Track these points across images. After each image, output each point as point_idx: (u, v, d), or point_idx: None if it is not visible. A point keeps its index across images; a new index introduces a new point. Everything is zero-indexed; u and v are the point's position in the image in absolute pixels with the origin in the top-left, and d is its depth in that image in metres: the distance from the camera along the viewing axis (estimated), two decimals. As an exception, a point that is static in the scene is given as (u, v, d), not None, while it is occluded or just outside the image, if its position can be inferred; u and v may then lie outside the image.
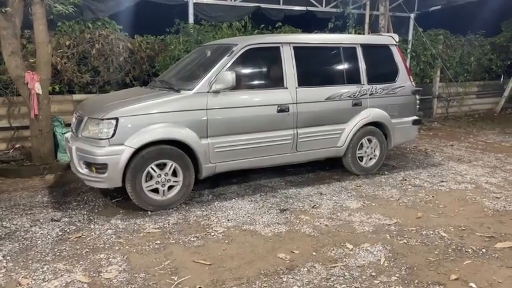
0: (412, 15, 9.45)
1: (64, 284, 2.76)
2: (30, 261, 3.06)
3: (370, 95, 5.15)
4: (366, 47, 5.20)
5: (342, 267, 3.01)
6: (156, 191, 4.04)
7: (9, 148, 6.14)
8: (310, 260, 3.12)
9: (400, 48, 5.71)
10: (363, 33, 8.45)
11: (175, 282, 2.79)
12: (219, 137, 4.24)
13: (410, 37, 9.52)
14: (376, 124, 5.27)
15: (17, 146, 6.18)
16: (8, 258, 3.11)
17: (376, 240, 3.46)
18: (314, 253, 3.23)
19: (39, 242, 3.39)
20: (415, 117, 5.62)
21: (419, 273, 2.93)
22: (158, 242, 3.40)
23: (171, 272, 2.94)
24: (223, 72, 4.18)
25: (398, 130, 5.43)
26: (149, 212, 4.01)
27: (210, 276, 2.88)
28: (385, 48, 5.42)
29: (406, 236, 3.55)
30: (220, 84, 4.14)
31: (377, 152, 5.35)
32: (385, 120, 5.28)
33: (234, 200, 4.39)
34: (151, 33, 7.21)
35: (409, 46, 9.32)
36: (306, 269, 2.98)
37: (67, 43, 6.32)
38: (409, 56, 9.20)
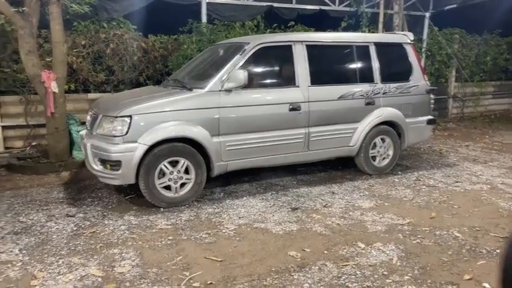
0: (427, 14, 9.34)
1: (79, 278, 2.81)
2: (45, 255, 3.12)
3: (383, 94, 5.11)
4: (379, 46, 5.16)
5: (354, 266, 3.00)
6: (168, 188, 4.08)
7: (26, 146, 6.27)
8: (321, 258, 3.11)
9: (415, 47, 5.65)
10: (377, 32, 8.38)
11: (187, 278, 2.81)
12: (231, 135, 4.26)
13: (425, 36, 9.41)
14: (390, 123, 5.22)
15: (34, 143, 6.30)
16: (24, 252, 3.18)
17: (388, 240, 3.43)
18: (325, 251, 3.22)
19: (54, 236, 3.45)
20: (430, 117, 5.56)
21: (432, 273, 2.90)
22: (170, 238, 3.44)
23: (183, 267, 2.96)
24: (235, 70, 4.19)
25: (412, 130, 5.37)
26: (162, 209, 4.05)
27: (221, 272, 2.90)
28: (399, 46, 5.37)
29: (419, 236, 3.51)
30: (232, 82, 4.16)
31: (390, 152, 5.30)
32: (399, 120, 5.23)
33: (245, 198, 4.40)
34: (164, 33, 7.27)
35: (424, 45, 9.22)
36: (317, 267, 2.98)
37: (82, 42, 6.42)
38: (423, 55, 9.09)
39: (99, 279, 2.81)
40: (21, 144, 6.34)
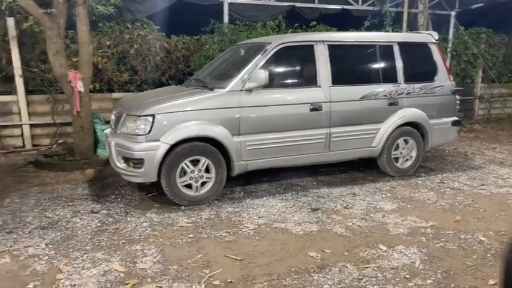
0: (453, 13, 9.13)
1: (102, 273, 2.88)
2: (70, 250, 3.21)
3: (407, 94, 5.02)
4: (403, 45, 5.08)
5: (375, 268, 2.96)
6: (189, 186, 4.13)
7: (53, 143, 6.46)
8: (341, 260, 3.08)
9: (440, 47, 5.53)
10: (401, 32, 8.25)
11: (207, 275, 2.84)
12: (251, 135, 4.27)
13: (450, 35, 9.19)
14: (413, 124, 5.13)
15: (60, 141, 6.48)
16: (51, 246, 3.27)
17: (411, 243, 3.37)
18: (346, 253, 3.19)
19: (79, 232, 3.54)
20: (455, 118, 5.43)
21: (456, 278, 2.83)
22: (191, 235, 3.47)
23: (203, 265, 2.99)
24: (256, 70, 4.20)
25: (437, 131, 5.26)
26: (182, 207, 4.09)
27: (241, 271, 2.91)
28: (424, 46, 5.27)
29: (443, 239, 3.43)
30: (253, 82, 4.17)
31: (413, 153, 5.20)
32: (423, 121, 5.13)
33: (265, 198, 4.41)
34: (187, 33, 7.35)
35: (449, 45, 9.01)
36: (337, 269, 2.95)
37: (107, 43, 6.56)
38: (449, 55, 8.89)
39: (122, 274, 2.86)
40: (48, 142, 6.54)
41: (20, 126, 6.37)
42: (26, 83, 6.26)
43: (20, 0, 4.95)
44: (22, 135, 6.40)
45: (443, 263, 3.04)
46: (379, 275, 2.87)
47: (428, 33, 5.43)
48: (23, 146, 6.40)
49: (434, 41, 5.31)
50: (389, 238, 3.46)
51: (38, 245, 3.28)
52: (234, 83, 4.22)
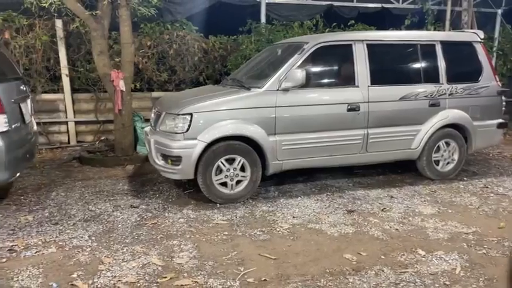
0: (500, 11, 8.70)
1: (141, 266, 2.97)
2: (112, 243, 3.34)
3: (449, 95, 4.84)
4: (446, 44, 4.90)
5: (413, 274, 2.88)
6: (224, 184, 4.18)
7: (96, 140, 6.73)
8: (378, 263, 3.02)
9: (485, 46, 5.29)
10: (443, 31, 7.96)
11: (242, 273, 2.87)
12: (287, 135, 4.27)
13: (496, 34, 8.77)
14: (456, 126, 4.94)
15: (102, 138, 6.75)
16: (93, 238, 3.42)
17: (451, 249, 3.26)
18: (383, 256, 3.13)
19: (119, 225, 3.68)
20: (500, 120, 5.18)
21: (499, 286, 2.72)
22: (226, 233, 3.52)
23: (238, 262, 3.03)
24: (293, 70, 4.20)
25: (481, 133, 5.04)
26: (218, 205, 4.16)
27: (275, 270, 2.92)
28: (468, 45, 5.06)
29: (485, 246, 3.30)
30: (290, 82, 4.17)
31: (455, 156, 5.01)
32: (466, 123, 4.94)
33: (299, 198, 4.39)
34: (224, 34, 7.44)
35: (495, 44, 8.59)
36: (373, 272, 2.90)
37: (148, 43, 6.75)
38: (495, 54, 8.48)
39: (160, 268, 2.95)
40: (92, 138, 6.83)
41: (66, 123, 6.69)
42: (71, 82, 6.56)
43: (67, 2, 5.19)
44: (68, 131, 6.72)
45: (486, 270, 2.92)
46: (417, 280, 2.80)
47: (473, 32, 5.21)
48: (68, 142, 6.72)
49: (479, 40, 5.09)
50: (429, 243, 3.36)
51: (82, 237, 3.44)
52: (270, 82, 4.23)
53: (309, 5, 7.83)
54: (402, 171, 5.30)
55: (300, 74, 4.10)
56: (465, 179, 5.08)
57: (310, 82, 4.37)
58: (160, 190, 4.63)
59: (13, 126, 3.63)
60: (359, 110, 4.46)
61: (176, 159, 4.01)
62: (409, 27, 7.86)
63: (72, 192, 4.55)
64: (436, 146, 4.89)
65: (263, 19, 7.47)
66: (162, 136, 4.19)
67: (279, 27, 7.45)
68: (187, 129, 4.00)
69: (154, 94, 6.99)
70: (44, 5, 5.20)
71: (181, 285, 2.73)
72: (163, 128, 4.20)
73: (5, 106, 3.47)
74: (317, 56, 4.43)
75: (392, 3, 8.30)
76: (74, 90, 6.65)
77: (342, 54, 4.61)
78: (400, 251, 3.21)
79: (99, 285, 2.72)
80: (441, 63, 4.85)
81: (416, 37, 4.93)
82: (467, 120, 4.94)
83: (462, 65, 5.09)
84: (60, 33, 6.30)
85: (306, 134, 4.34)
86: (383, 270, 2.92)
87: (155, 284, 2.74)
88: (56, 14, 5.92)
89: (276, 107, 4.19)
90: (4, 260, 3.05)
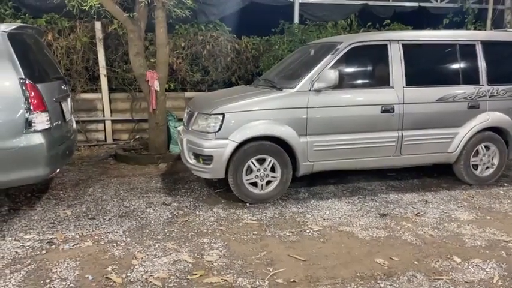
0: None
1: (172, 262, 3.04)
2: (144, 238, 3.43)
3: (490, 96, 4.64)
4: (487, 44, 4.70)
5: (447, 281, 2.79)
6: (255, 184, 4.20)
7: (131, 138, 6.93)
8: (411, 269, 2.94)
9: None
10: (484, 30, 7.64)
11: (271, 273, 2.87)
12: (318, 136, 4.23)
13: (543, 33, 8.31)
14: (496, 129, 4.73)
15: (137, 136, 6.94)
16: (127, 233, 3.53)
17: (489, 257, 3.12)
18: (416, 262, 3.04)
19: (152, 222, 3.77)
20: (545, 124, 4.91)
21: (543, 299, 2.58)
22: (255, 233, 3.54)
23: (267, 262, 3.03)
24: (325, 70, 4.15)
25: (523, 137, 4.81)
26: (248, 204, 4.18)
27: (304, 271, 2.91)
28: (510, 45, 4.84)
29: (527, 255, 3.14)
30: (322, 82, 4.13)
31: (495, 161, 4.80)
32: (507, 126, 4.71)
33: (330, 200, 4.34)
34: (257, 34, 7.47)
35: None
36: (406, 278, 2.83)
37: (182, 44, 6.89)
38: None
39: (190, 265, 3.00)
40: (127, 136, 7.03)
41: (103, 121, 6.92)
42: (109, 82, 6.79)
43: (107, 5, 5.38)
44: (104, 130, 6.95)
45: (528, 281, 2.78)
46: (452, 288, 2.71)
47: (517, 31, 4.98)
48: (105, 140, 6.95)
49: (523, 39, 4.85)
50: (465, 250, 3.24)
51: (116, 232, 3.55)
52: (302, 83, 4.21)
53: (343, 4, 7.73)
54: (438, 175, 5.13)
55: (332, 75, 4.06)
56: (506, 184, 4.86)
57: (343, 83, 4.31)
58: (191, 188, 4.71)
59: (54, 124, 3.79)
60: (393, 111, 4.36)
61: (207, 159, 4.06)
62: (448, 27, 7.60)
63: (108, 189, 4.70)
64: (475, 149, 4.70)
65: (296, 19, 7.43)
66: (195, 135, 4.25)
67: (312, 27, 7.40)
68: (219, 129, 4.04)
69: (188, 94, 7.11)
70: (85, 7, 5.40)
71: (211, 282, 2.77)
72: (196, 127, 4.26)
73: (47, 105, 3.63)
74: (350, 57, 4.37)
75: (430, 2, 8.05)
76: (111, 90, 6.88)
77: (376, 55, 4.52)
78: (435, 257, 3.11)
79: (132, 280, 2.80)
80: (481, 64, 4.65)
81: (455, 37, 4.75)
82: (509, 123, 4.71)
83: (504, 65, 4.87)
84: (99, 34, 6.53)
85: (338, 136, 4.29)
86: (416, 277, 2.84)
87: (185, 281, 2.79)
88: (95, 17, 6.14)
89: (307, 107, 4.17)
90: (44, 251, 3.20)
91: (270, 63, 6.78)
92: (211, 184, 4.80)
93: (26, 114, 3.46)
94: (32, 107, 3.48)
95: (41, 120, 3.54)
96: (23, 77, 3.48)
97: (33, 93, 3.50)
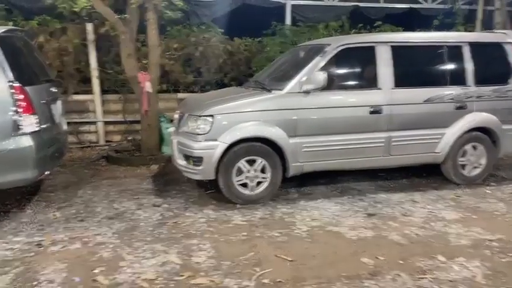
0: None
1: (160, 263, 3.06)
2: (133, 240, 3.45)
3: (477, 97, 4.70)
4: (474, 46, 4.76)
5: (431, 280, 2.83)
6: (245, 185, 4.23)
7: (123, 140, 6.94)
8: (395, 268, 2.99)
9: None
10: (475, 31, 7.72)
11: (257, 274, 2.90)
12: (308, 137, 4.27)
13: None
14: (483, 130, 4.79)
15: (129, 138, 6.95)
16: (116, 235, 3.54)
17: (473, 256, 3.17)
18: (401, 261, 3.09)
19: (142, 223, 3.79)
20: (532, 124, 4.97)
21: (523, 297, 2.63)
22: (245, 233, 3.57)
23: (254, 263, 3.06)
24: (314, 72, 4.19)
25: (510, 137, 4.86)
26: (238, 205, 4.21)
27: (291, 272, 2.94)
28: (498, 46, 4.89)
29: (510, 254, 3.19)
30: (311, 84, 4.17)
31: (483, 161, 4.86)
32: (494, 126, 4.77)
33: (320, 200, 4.38)
34: (249, 36, 7.50)
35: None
36: (390, 277, 2.87)
37: (174, 46, 6.91)
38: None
39: (178, 266, 3.02)
40: (119, 138, 7.04)
41: (95, 123, 6.92)
42: (101, 84, 6.79)
43: (98, 7, 5.39)
44: (97, 131, 6.95)
45: (509, 279, 2.83)
46: (435, 287, 2.75)
47: (503, 33, 5.04)
48: (97, 142, 6.95)
49: (509, 41, 4.91)
50: (450, 249, 3.28)
51: (105, 234, 3.57)
52: (292, 84, 4.24)
53: (335, 6, 7.80)
54: (427, 175, 5.18)
55: (321, 77, 4.10)
56: (493, 184, 4.92)
57: (332, 84, 4.35)
58: (182, 190, 4.73)
59: (43, 127, 3.80)
60: (381, 112, 4.40)
61: (197, 160, 4.09)
62: (438, 28, 7.67)
63: (99, 191, 4.71)
64: (462, 150, 4.76)
65: (288, 21, 7.49)
66: (185, 137, 4.28)
67: (303, 28, 7.45)
68: (209, 131, 4.07)
69: (180, 95, 7.12)
70: (76, 9, 5.41)
71: (198, 283, 2.80)
72: (186, 129, 4.29)
73: (35, 107, 3.65)
74: (339, 58, 4.41)
75: (420, 3, 8.12)
76: (103, 92, 6.88)
77: (365, 57, 4.56)
78: (420, 257, 3.16)
79: (119, 281, 2.82)
80: (469, 65, 4.71)
81: (442, 38, 4.82)
82: (496, 123, 4.78)
83: (491, 67, 4.94)
84: (90, 36, 6.53)
85: (327, 137, 4.33)
86: (400, 276, 2.88)
87: (173, 282, 2.82)
88: (87, 18, 6.15)
89: (297, 109, 4.21)
90: (32, 254, 3.21)
91: (263, 65, 6.82)
92: (203, 185, 4.83)
93: (15, 117, 3.48)
94: (20, 110, 3.49)
95: (30, 123, 3.56)
96: (12, 79, 3.49)
97: (22, 96, 3.52)
